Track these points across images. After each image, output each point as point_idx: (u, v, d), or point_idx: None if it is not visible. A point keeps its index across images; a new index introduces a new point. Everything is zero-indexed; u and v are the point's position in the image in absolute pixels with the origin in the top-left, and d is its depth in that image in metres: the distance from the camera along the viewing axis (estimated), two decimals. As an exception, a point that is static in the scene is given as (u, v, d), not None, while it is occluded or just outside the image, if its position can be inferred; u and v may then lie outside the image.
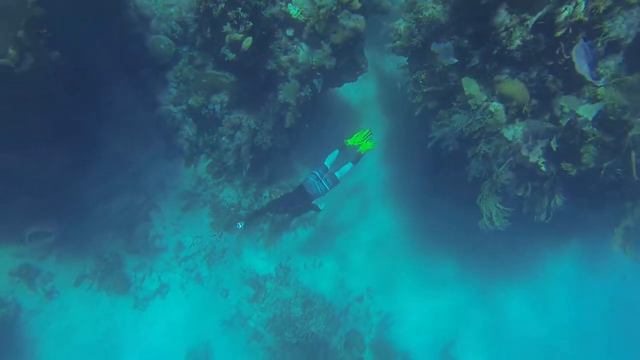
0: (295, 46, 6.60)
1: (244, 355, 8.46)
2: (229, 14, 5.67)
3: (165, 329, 8.59)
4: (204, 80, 7.04)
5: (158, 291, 8.76)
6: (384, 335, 8.68)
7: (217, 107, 7.13)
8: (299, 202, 6.55)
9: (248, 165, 7.74)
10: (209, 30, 6.33)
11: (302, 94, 6.70)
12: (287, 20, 6.41)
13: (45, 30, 4.82)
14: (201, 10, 5.99)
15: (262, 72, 6.69)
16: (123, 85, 7.74)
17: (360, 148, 6.79)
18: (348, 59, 6.93)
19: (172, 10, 6.93)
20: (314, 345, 8.10)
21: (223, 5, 5.65)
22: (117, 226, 8.36)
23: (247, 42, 5.83)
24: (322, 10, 6.03)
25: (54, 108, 6.17)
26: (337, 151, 6.81)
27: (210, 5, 5.75)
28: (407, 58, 6.94)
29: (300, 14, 6.30)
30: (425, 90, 6.22)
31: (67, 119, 6.75)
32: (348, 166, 6.72)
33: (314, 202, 6.64)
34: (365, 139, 6.84)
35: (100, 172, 7.98)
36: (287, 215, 6.96)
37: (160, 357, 8.49)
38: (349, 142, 6.88)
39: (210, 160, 8.05)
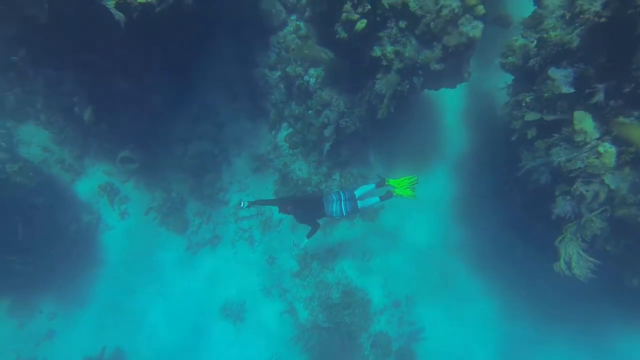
0: (404, 39, 6.46)
1: (274, 324, 8.71)
2: (350, -8, 5.67)
3: (208, 276, 9.08)
4: (305, 52, 7.15)
5: (210, 241, 9.24)
6: (412, 346, 8.48)
7: (312, 80, 7.24)
8: (309, 211, 6.43)
9: (329, 144, 7.77)
10: (325, 4, 6.38)
11: (400, 88, 6.59)
12: (404, 12, 6.27)
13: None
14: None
15: (366, 57, 6.65)
16: (226, 38, 8.11)
17: (398, 190, 6.58)
18: (453, 65, 6.69)
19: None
20: (343, 335, 8.13)
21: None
22: (189, 169, 8.86)
23: (362, 24, 5.81)
24: (444, 11, 5.82)
25: (171, 46, 6.64)
26: (373, 185, 6.70)
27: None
28: (513, 77, 6.59)
29: (419, 8, 6.15)
30: (526, 115, 5.86)
31: (176, 58, 7.23)
32: (374, 200, 6.63)
33: (321, 218, 6.55)
34: (409, 187, 6.60)
35: (187, 115, 8.51)
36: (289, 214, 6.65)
37: (197, 301, 9.01)
38: (392, 182, 6.65)
39: (290, 130, 8.24)
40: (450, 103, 8.74)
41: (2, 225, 7.34)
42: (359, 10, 5.81)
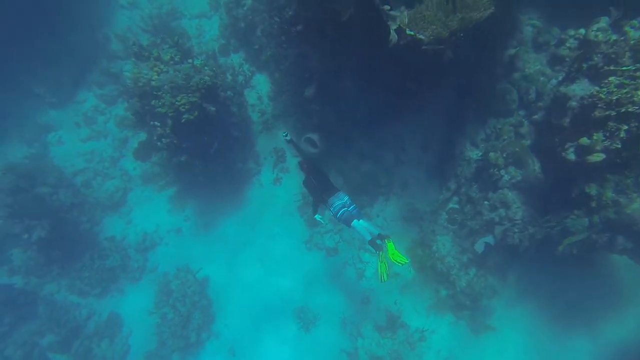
0: (634, 195, 5.67)
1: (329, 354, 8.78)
2: (610, 124, 5.24)
3: (305, 276, 9.74)
4: (516, 149, 6.93)
5: (327, 249, 9.79)
6: None
7: (507, 177, 6.96)
8: (319, 187, 6.53)
9: (490, 243, 7.36)
10: (555, 120, 6.06)
11: (593, 238, 5.82)
12: None
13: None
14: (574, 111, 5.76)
15: (573, 186, 6.05)
16: (450, 96, 8.29)
17: (392, 254, 5.89)
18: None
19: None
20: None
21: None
22: (351, 182, 9.34)
23: (598, 157, 5.35)
24: None
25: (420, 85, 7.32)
26: (375, 233, 6.11)
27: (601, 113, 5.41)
28: None
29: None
30: None
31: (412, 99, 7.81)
32: (366, 239, 6.04)
33: (320, 202, 6.56)
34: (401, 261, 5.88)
35: (379, 138, 8.97)
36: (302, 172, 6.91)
37: (284, 291, 9.72)
38: (391, 248, 5.93)
39: (456, 207, 8.11)
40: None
41: (203, 138, 8.96)
42: (604, 145, 5.34)
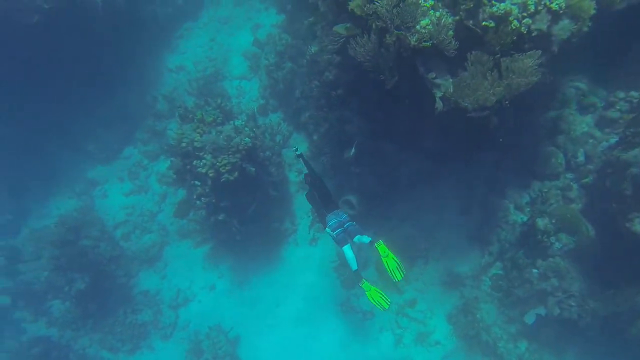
0: None
1: None
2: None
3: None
4: (568, 215, 6.57)
5: (363, 313, 9.37)
6: None
7: (558, 245, 6.56)
8: (320, 201, 6.46)
9: (541, 314, 6.84)
10: (613, 186, 5.74)
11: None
12: None
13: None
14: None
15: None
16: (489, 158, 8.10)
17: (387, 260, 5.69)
18: None
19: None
20: None
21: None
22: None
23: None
24: None
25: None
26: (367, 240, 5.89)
27: None
28: None
29: None
30: None
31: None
32: (352, 268, 5.92)
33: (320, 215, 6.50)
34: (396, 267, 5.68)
35: (415, 200, 8.82)
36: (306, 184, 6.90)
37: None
38: (384, 253, 5.74)
39: (501, 273, 7.66)
40: None
41: (242, 198, 9.14)
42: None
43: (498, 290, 7.72)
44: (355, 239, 6.00)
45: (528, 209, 7.56)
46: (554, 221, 6.69)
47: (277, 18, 12.23)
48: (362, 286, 5.87)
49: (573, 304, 6.30)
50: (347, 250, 6.01)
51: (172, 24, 13.63)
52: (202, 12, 13.96)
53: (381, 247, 5.77)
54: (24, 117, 11.34)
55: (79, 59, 11.02)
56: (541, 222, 6.79)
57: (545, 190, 7.32)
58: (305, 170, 6.94)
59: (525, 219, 7.31)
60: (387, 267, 5.71)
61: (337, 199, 7.22)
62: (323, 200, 6.52)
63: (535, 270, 6.90)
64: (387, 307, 5.80)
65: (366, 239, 5.92)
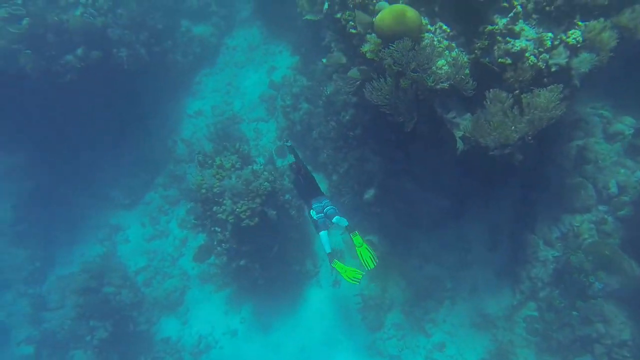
0: None
1: None
2: None
3: None
4: (605, 252, 6.20)
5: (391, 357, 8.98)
6: None
7: (599, 285, 6.15)
8: (306, 187, 6.87)
9: None
10: None
11: None
12: None
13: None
14: None
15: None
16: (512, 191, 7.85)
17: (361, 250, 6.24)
18: None
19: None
20: None
21: None
22: (413, 285, 8.92)
23: None
24: None
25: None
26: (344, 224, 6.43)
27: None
28: None
29: None
30: None
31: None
32: (326, 250, 6.47)
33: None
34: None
35: (441, 239, 8.59)
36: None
37: None
38: (358, 243, 6.30)
39: (536, 314, 7.23)
40: None
41: (263, 242, 9.04)
42: None
43: (534, 334, 7.25)
44: (335, 219, 6.42)
45: (559, 244, 7.21)
46: (590, 258, 6.32)
47: (292, 60, 12.57)
48: (334, 266, 6.39)
49: (627, 355, 5.78)
50: (323, 235, 6.50)
51: (191, 71, 14.11)
52: (218, 58, 14.45)
53: (356, 237, 6.29)
54: (56, 170, 11.80)
55: (106, 111, 11.48)
56: (575, 259, 6.42)
57: (577, 224, 6.99)
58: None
59: (556, 254, 6.94)
60: (360, 256, 6.21)
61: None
62: (308, 188, 6.95)
63: (575, 313, 6.46)
64: (360, 277, 6.24)
65: (344, 221, 6.41)
